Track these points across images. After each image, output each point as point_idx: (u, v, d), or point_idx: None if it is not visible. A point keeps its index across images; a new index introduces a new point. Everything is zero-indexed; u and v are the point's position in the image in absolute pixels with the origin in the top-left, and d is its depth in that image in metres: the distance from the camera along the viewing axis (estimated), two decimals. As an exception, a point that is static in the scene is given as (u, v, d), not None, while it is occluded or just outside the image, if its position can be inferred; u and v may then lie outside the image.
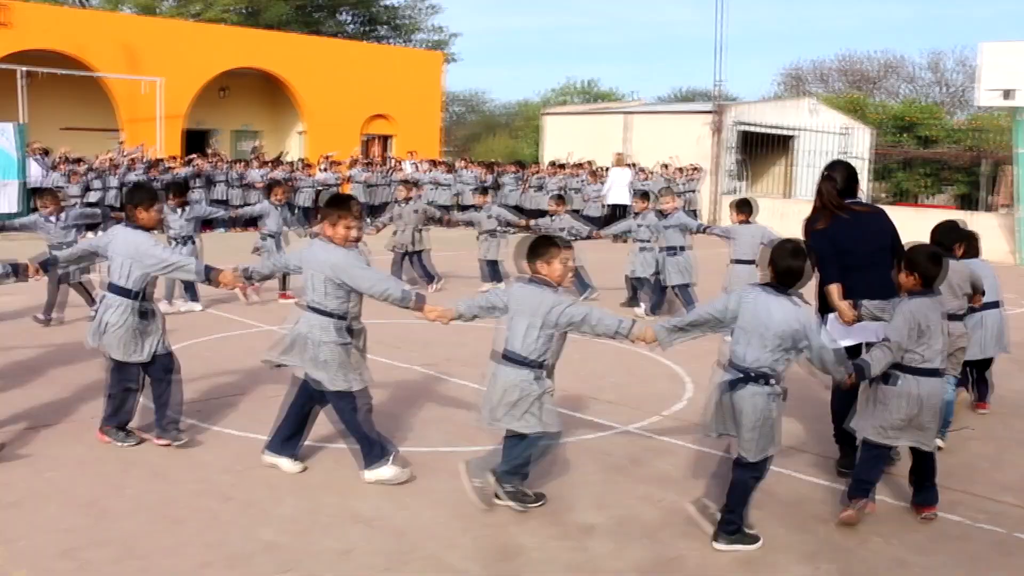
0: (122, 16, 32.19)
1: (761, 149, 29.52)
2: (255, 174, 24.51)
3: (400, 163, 29.05)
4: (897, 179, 40.79)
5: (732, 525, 4.92)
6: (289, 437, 5.89)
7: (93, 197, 21.95)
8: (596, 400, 7.77)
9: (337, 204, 5.78)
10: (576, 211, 20.61)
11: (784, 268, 4.98)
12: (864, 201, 6.81)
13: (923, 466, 5.44)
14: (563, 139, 30.94)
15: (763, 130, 28.67)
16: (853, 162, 26.29)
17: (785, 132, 29.40)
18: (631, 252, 12.71)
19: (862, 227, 6.20)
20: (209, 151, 27.84)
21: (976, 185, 38.82)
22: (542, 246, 5.31)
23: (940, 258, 5.40)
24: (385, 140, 34.88)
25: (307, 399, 5.86)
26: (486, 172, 26.57)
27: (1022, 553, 5.06)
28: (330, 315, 5.64)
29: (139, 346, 6.10)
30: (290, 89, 32.48)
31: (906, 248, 5.58)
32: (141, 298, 6.14)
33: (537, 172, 26.52)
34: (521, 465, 5.31)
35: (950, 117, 50.37)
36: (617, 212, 23.01)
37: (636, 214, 13.10)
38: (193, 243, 11.55)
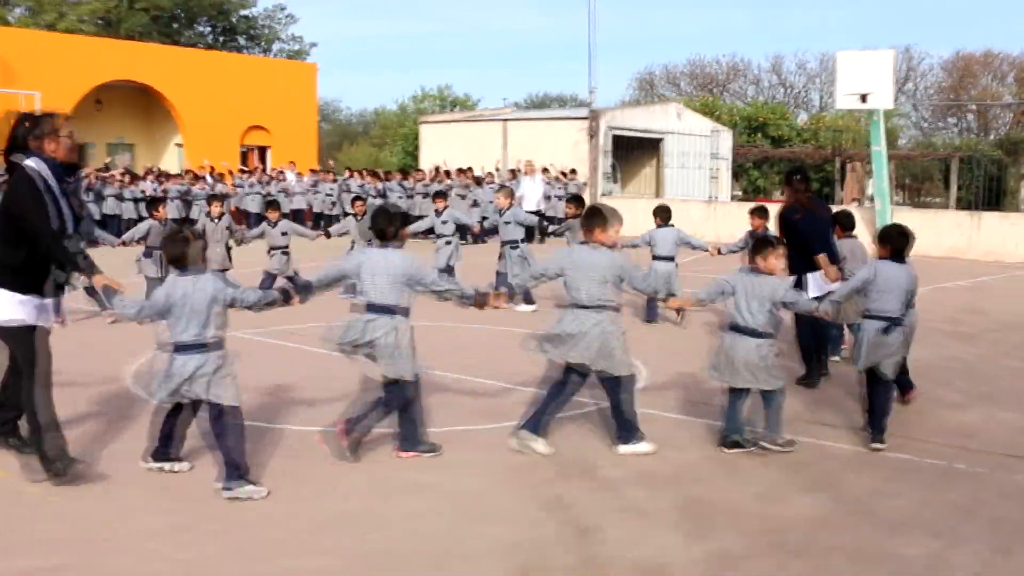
0: (-6, 29, 31.61)
1: (631, 152, 31.09)
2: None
3: (283, 172, 29.54)
4: (752, 177, 43.26)
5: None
6: (541, 417, 6.66)
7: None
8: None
9: (596, 214, 6.63)
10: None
11: (900, 245, 6.97)
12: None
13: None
14: (441, 147, 31.81)
15: (634, 134, 30.21)
16: (718, 162, 28.12)
17: (654, 135, 31.03)
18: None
19: (824, 216, 8.97)
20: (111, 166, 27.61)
21: (824, 182, 41.52)
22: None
23: (907, 234, 7.07)
24: (263, 151, 35.17)
25: (568, 386, 6.71)
26: (375, 180, 27.34)
27: (962, 478, 6.29)
28: (615, 310, 6.57)
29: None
30: (167, 101, 32.47)
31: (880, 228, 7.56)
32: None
33: (422, 179, 27.35)
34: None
35: (795, 117, 53.29)
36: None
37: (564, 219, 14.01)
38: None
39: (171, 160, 33.34)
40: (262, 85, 34.21)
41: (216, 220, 13.29)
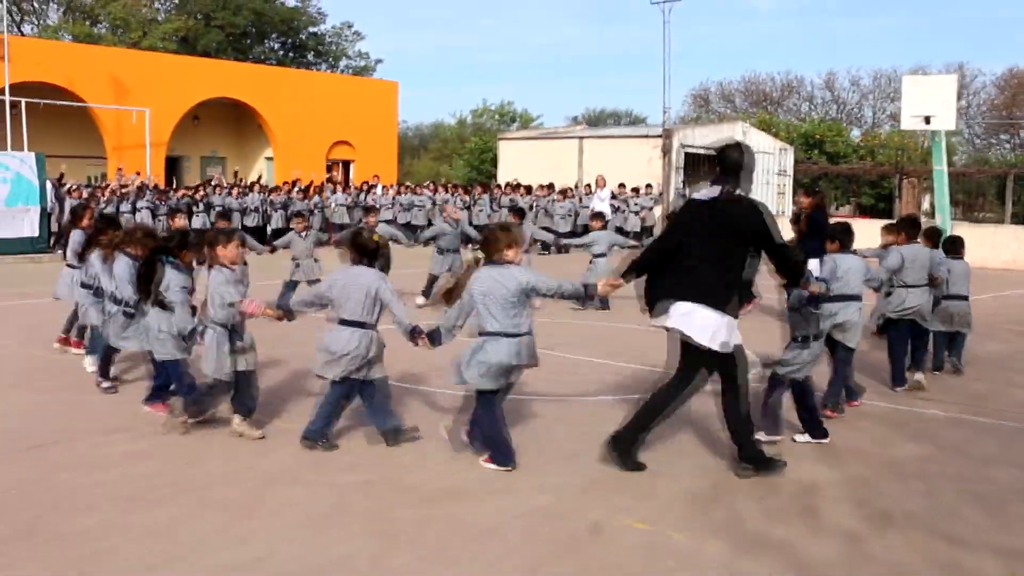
0: (110, 49, 34.01)
1: (700, 169, 32.88)
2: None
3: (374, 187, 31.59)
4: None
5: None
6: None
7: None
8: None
9: None
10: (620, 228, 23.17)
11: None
12: None
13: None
14: (517, 163, 33.76)
15: (704, 151, 32.00)
16: (781, 179, 29.92)
17: (723, 153, 32.82)
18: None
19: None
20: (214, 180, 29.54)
21: (880, 197, 43.10)
22: None
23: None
24: (347, 165, 37.34)
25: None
26: (464, 193, 29.39)
27: (916, 421, 8.13)
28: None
29: None
30: (260, 117, 34.73)
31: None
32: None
33: (505, 193, 29.29)
34: None
35: (848, 133, 54.76)
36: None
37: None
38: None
39: (263, 173, 35.56)
40: (347, 102, 36.41)
41: (303, 235, 13.83)
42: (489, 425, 6.71)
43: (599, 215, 16.59)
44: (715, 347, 6.34)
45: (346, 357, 6.87)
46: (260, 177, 32.33)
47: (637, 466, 6.64)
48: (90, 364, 9.35)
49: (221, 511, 5.75)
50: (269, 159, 35.98)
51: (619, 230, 25.82)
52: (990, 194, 45.46)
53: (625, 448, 6.67)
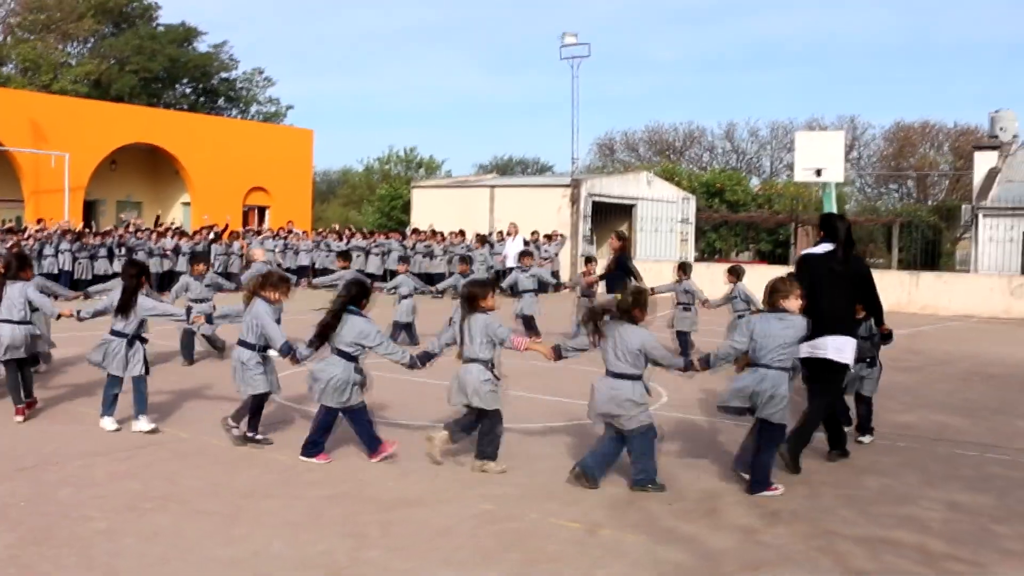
0: (28, 93, 34.32)
1: (607, 216, 34.39)
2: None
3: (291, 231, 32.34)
4: (711, 239, 46.82)
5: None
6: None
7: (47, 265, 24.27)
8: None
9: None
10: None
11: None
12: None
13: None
14: (431, 210, 34.85)
15: (611, 200, 33.54)
16: (684, 226, 31.82)
17: (628, 201, 34.40)
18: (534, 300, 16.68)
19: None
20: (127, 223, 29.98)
21: (777, 243, 45.21)
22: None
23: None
24: (262, 211, 38.01)
25: None
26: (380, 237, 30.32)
27: (904, 451, 9.33)
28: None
29: None
30: (177, 163, 35.27)
31: None
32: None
33: (422, 239, 30.31)
34: None
35: (748, 182, 57.13)
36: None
37: (523, 269, 16.93)
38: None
39: (175, 217, 36.01)
40: (263, 149, 37.19)
41: (200, 279, 13.91)
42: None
43: (527, 253, 17.69)
44: (847, 361, 8.42)
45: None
46: (173, 222, 32.86)
47: (799, 469, 8.16)
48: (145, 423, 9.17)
49: (208, 518, 6.63)
50: (186, 204, 36.48)
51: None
52: (879, 240, 47.97)
53: (795, 461, 8.17)
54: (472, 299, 8.07)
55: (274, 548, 6.09)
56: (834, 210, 26.73)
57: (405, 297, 16.09)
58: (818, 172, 25.63)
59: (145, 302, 9.19)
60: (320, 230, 33.34)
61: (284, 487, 7.46)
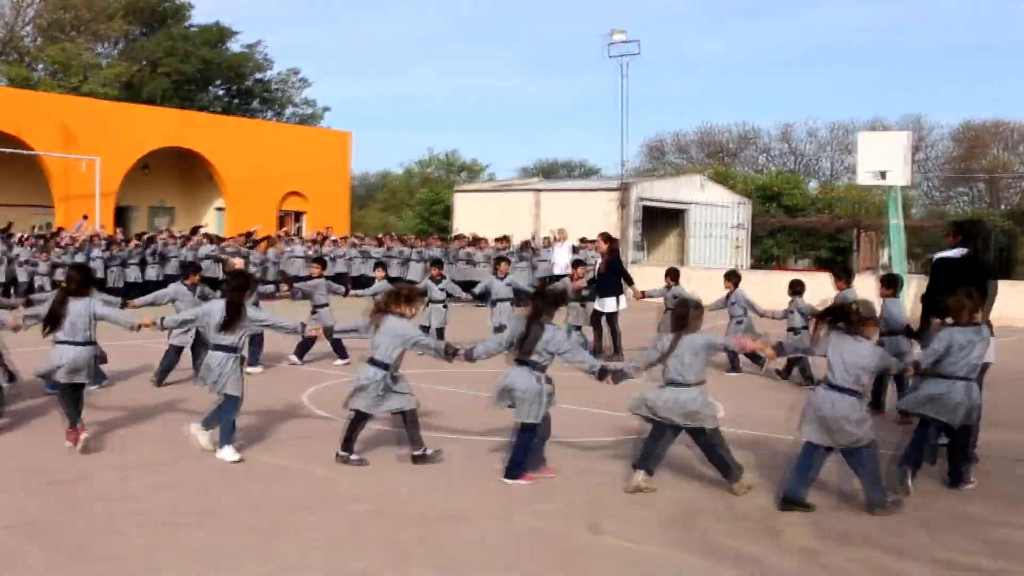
0: (58, 96, 34.76)
1: (658, 221, 34.30)
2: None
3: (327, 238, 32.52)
4: (767, 245, 46.47)
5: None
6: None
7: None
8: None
9: None
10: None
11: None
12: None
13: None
14: (473, 215, 34.93)
15: (661, 204, 33.44)
16: (739, 232, 31.67)
17: (680, 206, 34.30)
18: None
19: None
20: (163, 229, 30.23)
21: (838, 250, 44.79)
22: None
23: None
24: (298, 216, 38.29)
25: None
26: (420, 244, 30.45)
27: (975, 471, 9.20)
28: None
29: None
30: (211, 167, 35.62)
31: None
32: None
33: (463, 246, 30.39)
34: None
35: (806, 185, 56.70)
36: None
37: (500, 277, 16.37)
38: None
39: (209, 223, 36.33)
40: (299, 152, 37.45)
41: (193, 288, 13.55)
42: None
43: (580, 263, 17.76)
44: (992, 360, 9.02)
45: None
46: (205, 225, 33.16)
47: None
48: (230, 454, 8.68)
49: (246, 533, 6.69)
50: (220, 209, 36.83)
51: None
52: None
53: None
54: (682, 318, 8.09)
55: (315, 564, 6.12)
56: (900, 215, 26.48)
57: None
58: (882, 175, 25.32)
59: (257, 313, 9.14)
60: (358, 236, 33.42)
61: (323, 501, 7.50)
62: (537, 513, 7.29)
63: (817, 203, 48.49)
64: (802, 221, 43.98)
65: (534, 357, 8.09)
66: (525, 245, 29.43)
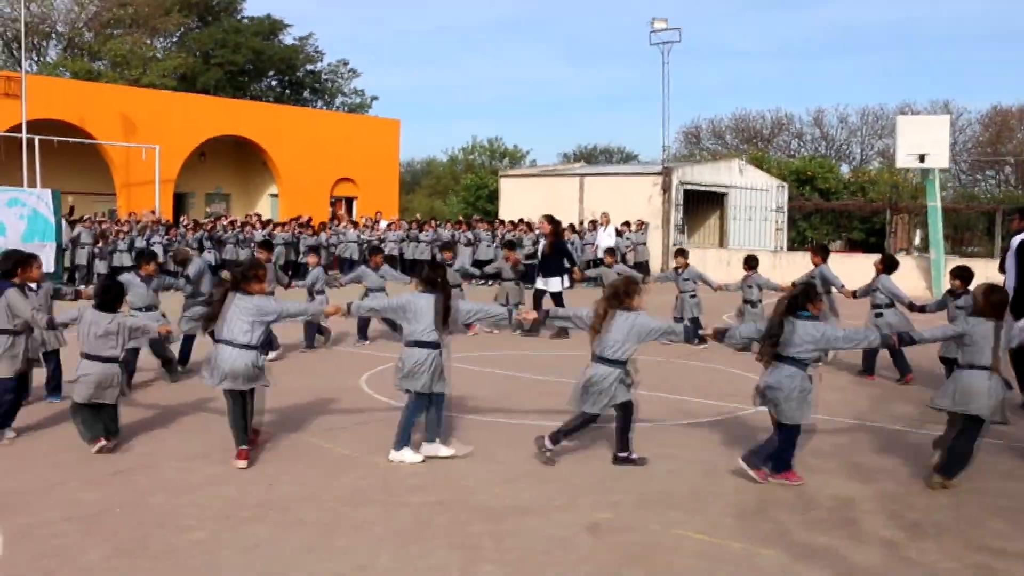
0: (119, 88, 34.56)
1: (698, 205, 33.61)
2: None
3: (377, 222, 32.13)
4: (801, 228, 45.62)
5: None
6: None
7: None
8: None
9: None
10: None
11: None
12: None
13: None
14: (518, 200, 34.36)
15: (702, 188, 32.73)
16: (778, 215, 30.82)
17: (720, 190, 33.58)
18: None
19: None
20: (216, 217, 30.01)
21: (871, 232, 43.89)
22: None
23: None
24: (349, 202, 37.95)
25: None
26: (465, 228, 30.02)
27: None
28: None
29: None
30: (265, 154, 35.34)
31: None
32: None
33: (510, 229, 29.88)
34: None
35: (838, 169, 55.65)
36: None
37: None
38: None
39: (263, 209, 36.09)
40: (350, 139, 37.08)
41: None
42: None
43: (611, 250, 17.32)
44: None
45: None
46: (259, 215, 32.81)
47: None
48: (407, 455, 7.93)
49: (308, 528, 6.25)
50: (273, 196, 36.54)
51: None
52: (978, 229, 46.29)
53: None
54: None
55: (381, 562, 5.69)
56: (938, 198, 25.71)
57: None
58: (922, 158, 24.57)
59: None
60: (410, 220, 32.94)
61: (385, 493, 7.06)
62: (603, 504, 6.82)
63: (851, 187, 47.55)
64: (837, 204, 43.12)
65: (793, 355, 7.34)
66: (571, 228, 28.86)
